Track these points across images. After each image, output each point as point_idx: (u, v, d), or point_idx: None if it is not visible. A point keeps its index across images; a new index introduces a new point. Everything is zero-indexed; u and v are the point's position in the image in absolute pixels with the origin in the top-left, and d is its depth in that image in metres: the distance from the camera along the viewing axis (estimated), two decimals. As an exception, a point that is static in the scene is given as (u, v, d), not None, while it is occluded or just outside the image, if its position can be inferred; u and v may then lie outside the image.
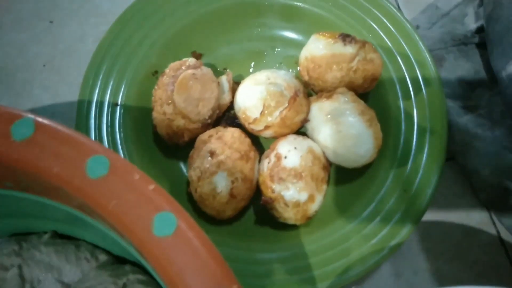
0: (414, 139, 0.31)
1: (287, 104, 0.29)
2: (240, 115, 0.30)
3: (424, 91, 0.32)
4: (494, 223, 0.32)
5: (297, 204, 0.27)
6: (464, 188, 0.33)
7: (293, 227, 0.29)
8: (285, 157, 0.28)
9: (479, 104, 0.34)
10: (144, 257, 0.17)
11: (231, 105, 0.32)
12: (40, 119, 0.18)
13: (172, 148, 0.32)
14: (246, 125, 0.31)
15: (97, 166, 0.17)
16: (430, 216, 0.32)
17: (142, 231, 0.17)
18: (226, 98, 0.32)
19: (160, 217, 0.17)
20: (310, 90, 0.33)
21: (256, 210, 0.31)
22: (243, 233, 0.30)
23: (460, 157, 0.33)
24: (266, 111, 0.29)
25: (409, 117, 0.32)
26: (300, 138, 0.29)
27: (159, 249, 0.16)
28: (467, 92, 0.35)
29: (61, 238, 0.26)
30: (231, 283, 0.16)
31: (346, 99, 0.29)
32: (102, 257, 0.26)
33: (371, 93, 0.33)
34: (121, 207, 0.17)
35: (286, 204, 0.28)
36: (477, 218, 0.32)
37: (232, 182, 0.28)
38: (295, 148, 0.28)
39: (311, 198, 0.28)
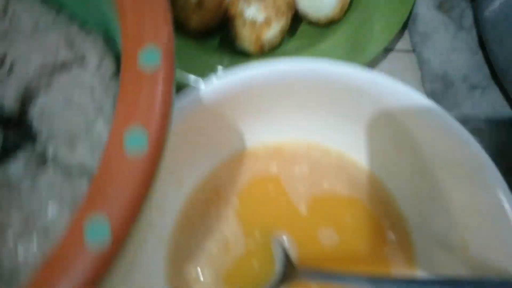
0: (379, 14, 0.33)
1: None
2: None
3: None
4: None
5: (253, 24, 0.30)
6: (414, 77, 0.35)
7: (249, 56, 0.32)
8: (255, -19, 0.30)
9: (452, 8, 0.36)
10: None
11: None
12: None
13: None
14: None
15: None
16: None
17: None
18: None
19: None
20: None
21: (220, 38, 0.34)
22: (201, 48, 0.32)
23: (418, 46, 0.35)
24: None
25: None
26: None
27: None
28: (445, -3, 0.37)
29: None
30: None
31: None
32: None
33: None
34: None
35: (244, 22, 0.30)
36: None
37: (203, -8, 0.31)
38: (266, -24, 0.31)
39: (267, 21, 0.30)
